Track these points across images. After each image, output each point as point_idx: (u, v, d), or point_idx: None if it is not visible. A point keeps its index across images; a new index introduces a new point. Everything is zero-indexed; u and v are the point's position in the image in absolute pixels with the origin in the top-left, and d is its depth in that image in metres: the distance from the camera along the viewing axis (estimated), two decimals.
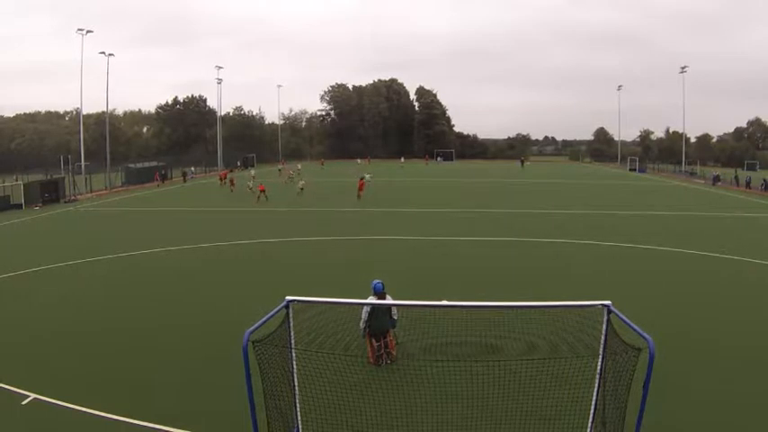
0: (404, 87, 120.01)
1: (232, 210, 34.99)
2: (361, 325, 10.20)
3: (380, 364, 10.30)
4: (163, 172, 58.23)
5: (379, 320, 10.13)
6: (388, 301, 10.18)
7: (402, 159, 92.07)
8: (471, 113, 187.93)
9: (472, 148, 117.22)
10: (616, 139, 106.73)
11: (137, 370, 10.33)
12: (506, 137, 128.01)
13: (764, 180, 50.61)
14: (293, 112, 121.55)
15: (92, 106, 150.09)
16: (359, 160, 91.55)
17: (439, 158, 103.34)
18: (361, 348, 10.48)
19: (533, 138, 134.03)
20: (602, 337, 6.92)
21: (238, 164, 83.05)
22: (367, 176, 46.23)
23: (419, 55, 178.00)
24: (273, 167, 79.77)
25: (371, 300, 10.14)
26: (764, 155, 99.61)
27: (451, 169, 79.04)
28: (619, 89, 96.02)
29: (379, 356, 10.33)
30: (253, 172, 58.75)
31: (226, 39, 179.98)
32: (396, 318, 10.51)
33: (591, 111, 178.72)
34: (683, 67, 77.38)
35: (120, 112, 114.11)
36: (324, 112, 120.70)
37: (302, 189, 42.37)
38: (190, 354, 11.12)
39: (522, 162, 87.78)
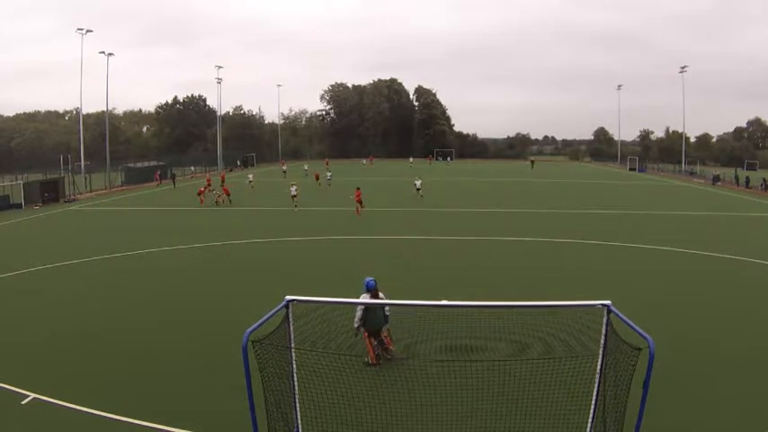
0: (403, 87, 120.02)
1: (232, 209, 34.97)
2: (356, 323, 10.23)
3: (380, 363, 10.31)
4: (159, 172, 57.74)
5: (375, 317, 10.18)
6: (387, 300, 10.20)
7: (411, 159, 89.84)
8: (471, 113, 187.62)
9: (472, 147, 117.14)
10: (616, 138, 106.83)
11: (136, 369, 10.33)
12: (506, 136, 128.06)
13: (764, 180, 50.65)
14: (293, 112, 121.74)
15: (92, 106, 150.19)
16: (364, 161, 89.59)
17: (448, 158, 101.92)
18: (363, 348, 10.47)
19: (533, 137, 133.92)
20: (602, 337, 6.92)
21: (238, 163, 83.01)
22: (417, 183, 40.07)
23: (419, 55, 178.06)
24: (274, 167, 79.50)
25: (365, 297, 10.16)
26: (764, 154, 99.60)
27: (457, 169, 78.35)
28: (619, 89, 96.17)
29: (377, 355, 10.35)
30: (250, 176, 51.23)
31: (226, 39, 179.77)
32: (388, 313, 10.51)
33: (591, 110, 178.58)
34: (682, 67, 77.38)
35: (119, 111, 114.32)
36: (323, 112, 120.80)
37: (295, 197, 34.22)
38: (189, 353, 11.12)
39: (533, 163, 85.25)
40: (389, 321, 10.60)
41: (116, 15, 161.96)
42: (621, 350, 6.42)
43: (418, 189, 39.64)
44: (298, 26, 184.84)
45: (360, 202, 31.38)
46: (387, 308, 10.43)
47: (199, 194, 37.85)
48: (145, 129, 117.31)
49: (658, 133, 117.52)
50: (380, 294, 10.37)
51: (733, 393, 9.24)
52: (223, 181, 46.20)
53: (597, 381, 7.06)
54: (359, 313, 10.17)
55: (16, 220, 31.69)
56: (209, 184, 41.31)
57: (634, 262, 19.57)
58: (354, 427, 7.81)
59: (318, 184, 48.84)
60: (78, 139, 64.55)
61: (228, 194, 37.28)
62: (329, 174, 52.34)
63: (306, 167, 65.35)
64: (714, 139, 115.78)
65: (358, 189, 32.22)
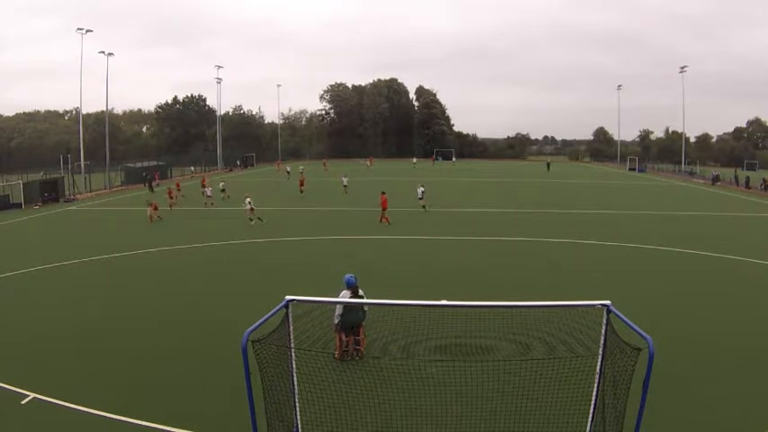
0: (403, 87, 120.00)
1: (232, 210, 34.96)
2: (336, 320, 10.34)
3: (346, 360, 10.40)
4: (159, 172, 56.66)
5: (353, 314, 10.37)
6: (366, 300, 10.23)
7: (414, 160, 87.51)
8: (471, 112, 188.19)
9: (472, 147, 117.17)
10: (616, 138, 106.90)
11: (136, 369, 10.32)
12: (506, 136, 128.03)
13: (764, 180, 50.69)
14: (293, 112, 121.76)
15: (91, 105, 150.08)
16: (368, 163, 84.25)
17: (452, 159, 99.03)
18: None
19: (533, 137, 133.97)
20: (602, 337, 6.92)
21: (238, 163, 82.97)
22: (419, 190, 33.78)
23: (419, 55, 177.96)
24: (272, 167, 79.26)
25: (345, 294, 10.35)
26: (764, 154, 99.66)
27: (463, 169, 77.71)
28: (618, 88, 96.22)
29: (345, 352, 10.47)
30: (221, 185, 41.83)
31: (226, 39, 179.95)
32: (366, 309, 10.69)
33: (591, 110, 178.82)
34: (682, 67, 77.49)
35: (119, 111, 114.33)
36: (323, 112, 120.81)
37: (252, 211, 28.47)
38: (189, 353, 11.12)
39: (549, 165, 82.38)
40: (367, 317, 10.78)
41: (116, 16, 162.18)
42: (621, 350, 6.42)
43: (420, 198, 33.12)
44: (298, 26, 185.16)
45: (385, 208, 27.37)
46: (366, 306, 10.66)
47: (169, 196, 33.65)
48: (144, 129, 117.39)
49: (658, 133, 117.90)
50: (360, 291, 10.55)
51: (733, 393, 9.25)
52: (203, 186, 39.10)
53: (597, 380, 7.07)
54: (339, 310, 10.29)
55: (16, 219, 31.68)
56: (178, 189, 36.84)
57: (633, 262, 19.56)
58: (354, 428, 7.80)
59: (301, 192, 41.55)
60: (78, 139, 64.53)
61: (156, 210, 29.98)
62: (345, 178, 44.89)
63: (302, 168, 62.02)
64: (714, 140, 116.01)
65: (383, 193, 28.00)
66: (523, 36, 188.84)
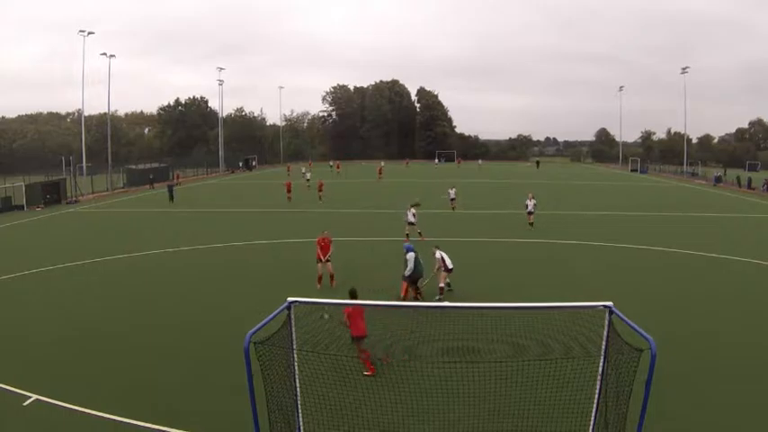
0: (405, 88, 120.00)
1: (235, 211, 34.99)
2: (407, 273, 13.65)
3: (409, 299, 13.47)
4: (151, 176, 56.39)
5: (416, 272, 13.76)
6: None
7: (436, 161, 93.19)
8: (472, 113, 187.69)
9: (474, 148, 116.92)
10: (617, 139, 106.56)
11: (137, 370, 10.34)
12: (508, 138, 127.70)
13: (766, 181, 50.63)
14: (294, 114, 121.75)
15: (94, 107, 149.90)
16: (383, 163, 76.70)
17: (479, 161, 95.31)
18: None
19: (535, 138, 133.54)
20: (604, 339, 6.91)
21: (240, 165, 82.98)
22: (452, 191, 34.16)
23: (422, 62, 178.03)
24: (276, 169, 79.04)
25: (412, 255, 13.69)
26: (766, 155, 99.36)
27: (470, 170, 78.18)
28: (620, 90, 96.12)
29: (404, 298, 13.71)
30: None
31: (228, 40, 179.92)
32: (421, 268, 13.97)
33: (592, 112, 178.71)
34: (684, 68, 77.29)
35: (121, 113, 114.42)
36: (325, 113, 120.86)
37: None
38: (191, 354, 11.13)
39: (538, 163, 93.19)
40: (424, 275, 14.12)
41: (119, 17, 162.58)
42: (623, 351, 6.41)
43: (452, 199, 33.63)
44: (300, 27, 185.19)
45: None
46: (421, 263, 13.89)
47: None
48: (147, 130, 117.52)
49: (660, 134, 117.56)
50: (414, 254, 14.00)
51: (735, 394, 9.22)
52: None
53: (599, 382, 7.06)
54: (411, 265, 13.68)
55: (18, 221, 31.75)
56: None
57: (636, 263, 19.52)
58: (356, 429, 7.81)
59: (288, 198, 39.16)
60: (80, 141, 64.57)
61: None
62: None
63: (303, 170, 59.66)
64: (715, 140, 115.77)
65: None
66: (526, 39, 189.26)
